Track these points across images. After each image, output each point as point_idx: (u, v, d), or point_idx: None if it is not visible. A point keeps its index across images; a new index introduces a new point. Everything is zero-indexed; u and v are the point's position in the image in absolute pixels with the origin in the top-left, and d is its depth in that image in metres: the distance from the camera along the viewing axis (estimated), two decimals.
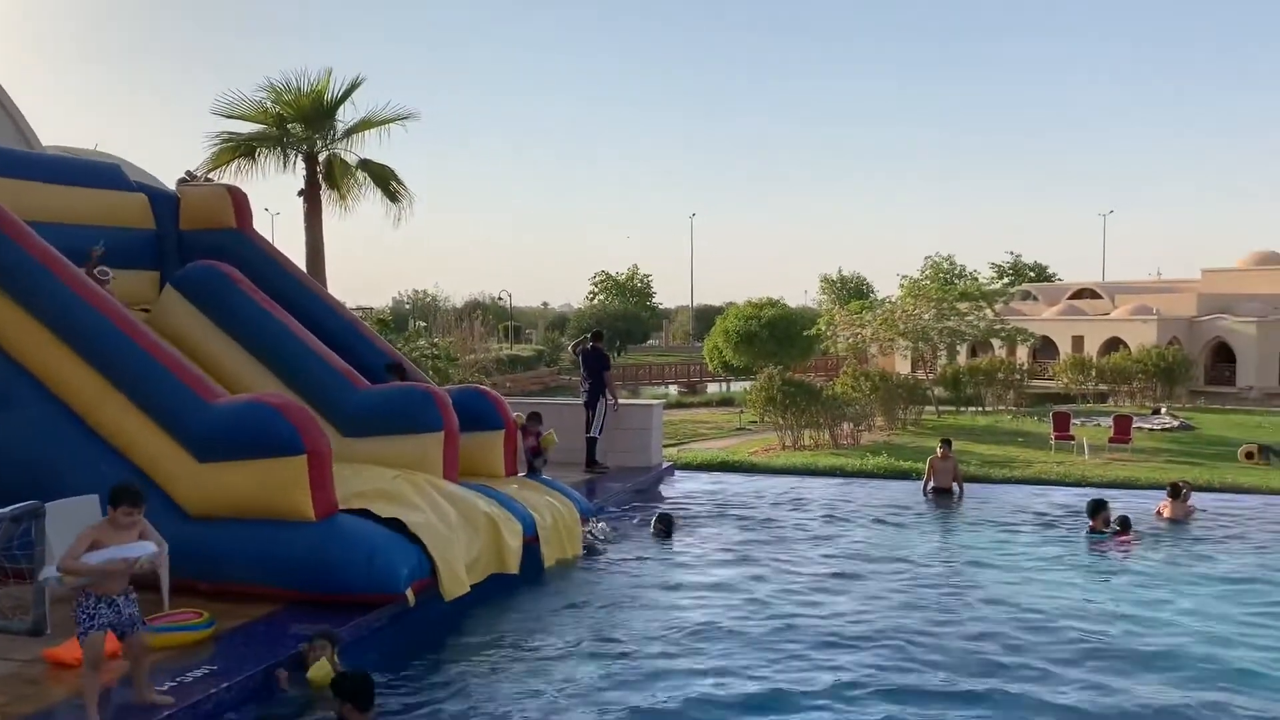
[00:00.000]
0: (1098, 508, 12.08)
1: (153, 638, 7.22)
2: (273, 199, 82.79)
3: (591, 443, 15.37)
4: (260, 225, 13.47)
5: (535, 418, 13.02)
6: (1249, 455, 23.15)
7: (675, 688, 6.98)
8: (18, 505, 7.27)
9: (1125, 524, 11.85)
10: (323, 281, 20.93)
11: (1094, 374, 40.72)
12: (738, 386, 49.47)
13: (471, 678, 7.25)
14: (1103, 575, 10.40)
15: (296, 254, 20.13)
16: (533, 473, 12.24)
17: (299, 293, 12.44)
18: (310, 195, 22.73)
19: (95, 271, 10.63)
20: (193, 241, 12.42)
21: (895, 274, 64.88)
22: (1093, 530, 11.87)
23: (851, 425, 28.48)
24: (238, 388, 10.63)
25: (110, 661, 6.27)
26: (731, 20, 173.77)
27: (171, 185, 13.35)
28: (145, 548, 6.22)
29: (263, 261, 12.49)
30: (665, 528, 11.83)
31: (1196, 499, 13.21)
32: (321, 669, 6.77)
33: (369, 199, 23.42)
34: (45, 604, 7.31)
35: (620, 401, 16.07)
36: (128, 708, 6.16)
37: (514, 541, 9.72)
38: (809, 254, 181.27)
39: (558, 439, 13.06)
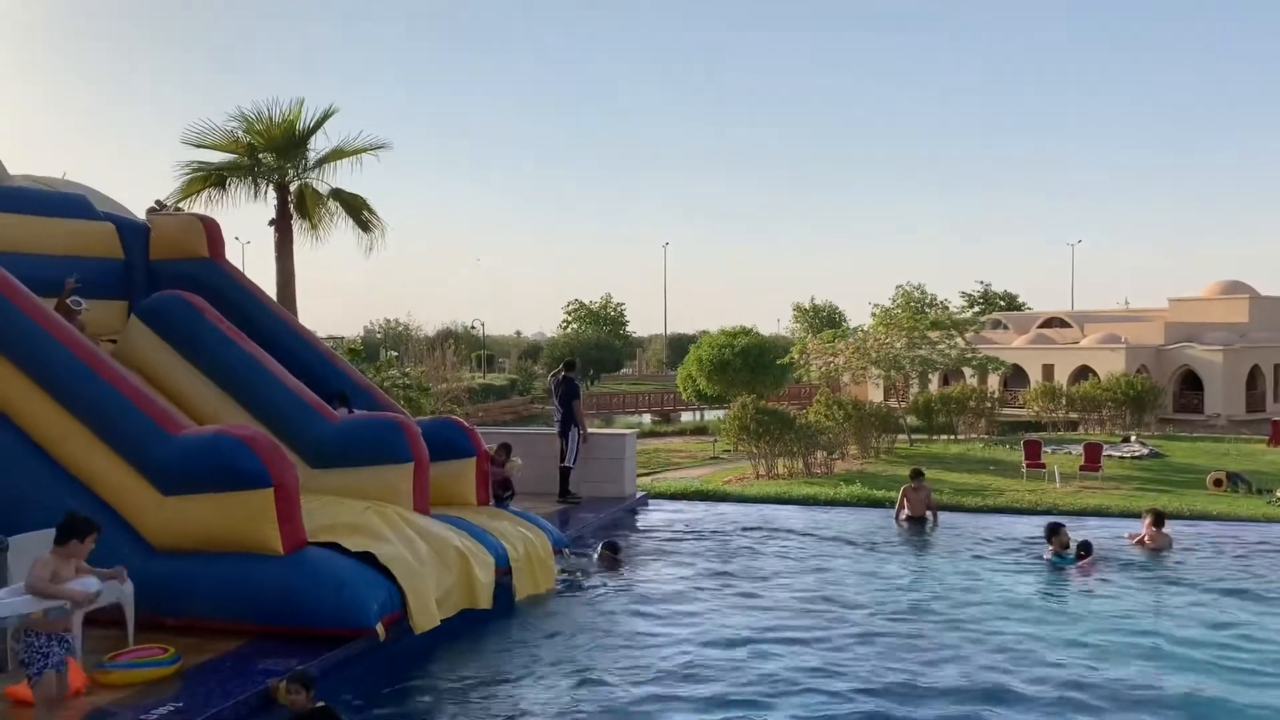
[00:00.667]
0: (1054, 530, 12.15)
1: (113, 675, 7.11)
2: (243, 228, 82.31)
3: (565, 473, 15.27)
4: (231, 255, 13.38)
5: (505, 449, 12.97)
6: (1217, 483, 23.38)
7: None
8: None
9: (1086, 548, 11.88)
10: (294, 311, 20.80)
11: (1064, 402, 41.08)
12: (711, 415, 49.51)
13: (440, 715, 7.15)
14: (1064, 599, 10.45)
15: (267, 284, 20.02)
16: (500, 504, 12.16)
17: (271, 322, 12.37)
18: (281, 225, 22.60)
19: (69, 302, 10.52)
20: (163, 271, 12.32)
21: (867, 303, 65.54)
22: (1055, 554, 11.90)
23: (825, 454, 28.54)
24: (204, 419, 10.51)
25: (75, 698, 6.13)
26: (700, 46, 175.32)
27: (141, 215, 13.25)
28: (92, 583, 6.32)
29: (235, 291, 12.41)
30: (613, 554, 11.79)
31: (1169, 526, 13.31)
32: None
33: (341, 228, 23.35)
34: (8, 639, 7.16)
35: (590, 431, 16.01)
36: None
37: (485, 576, 9.60)
38: (782, 283, 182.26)
39: (521, 465, 13.17)
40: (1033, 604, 10.19)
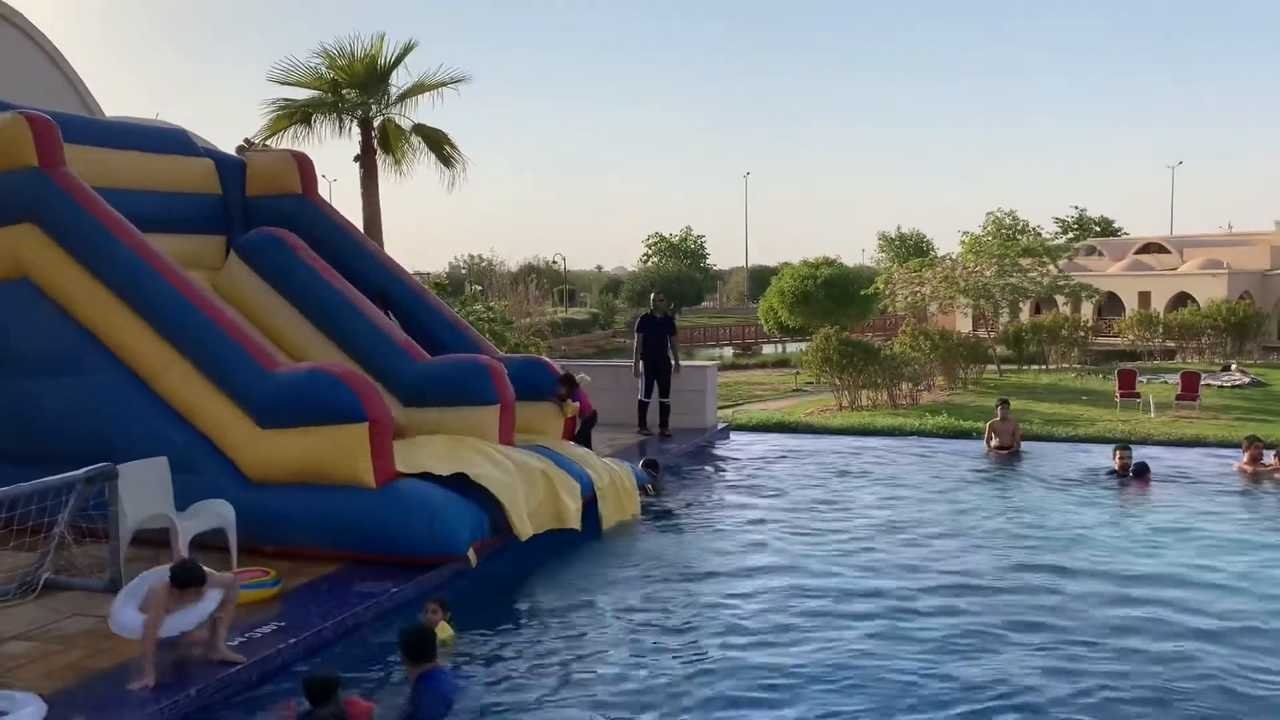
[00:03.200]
0: (1119, 448, 12.96)
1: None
2: (329, 166, 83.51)
3: (665, 407, 15.39)
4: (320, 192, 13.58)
5: (567, 381, 12.34)
6: None
7: (727, 660, 7.02)
8: (91, 467, 7.50)
9: (1141, 470, 12.55)
10: (381, 247, 21.12)
11: (1161, 330, 39.72)
12: (794, 347, 49.11)
13: (521, 636, 7.34)
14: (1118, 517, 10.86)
15: (354, 220, 20.31)
16: (582, 438, 12.27)
17: (362, 258, 12.54)
18: (366, 161, 22.87)
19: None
20: (259, 207, 12.55)
21: (956, 230, 63.61)
22: (1114, 473, 12.59)
23: (910, 385, 28.12)
24: (298, 355, 10.80)
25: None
26: None
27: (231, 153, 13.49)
28: (206, 608, 6.28)
29: (327, 227, 12.60)
30: (653, 471, 12.00)
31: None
32: (444, 630, 6.90)
33: (423, 164, 23.54)
34: (121, 562, 7.56)
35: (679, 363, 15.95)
36: (199, 662, 6.33)
37: (570, 498, 9.81)
38: (867, 212, 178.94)
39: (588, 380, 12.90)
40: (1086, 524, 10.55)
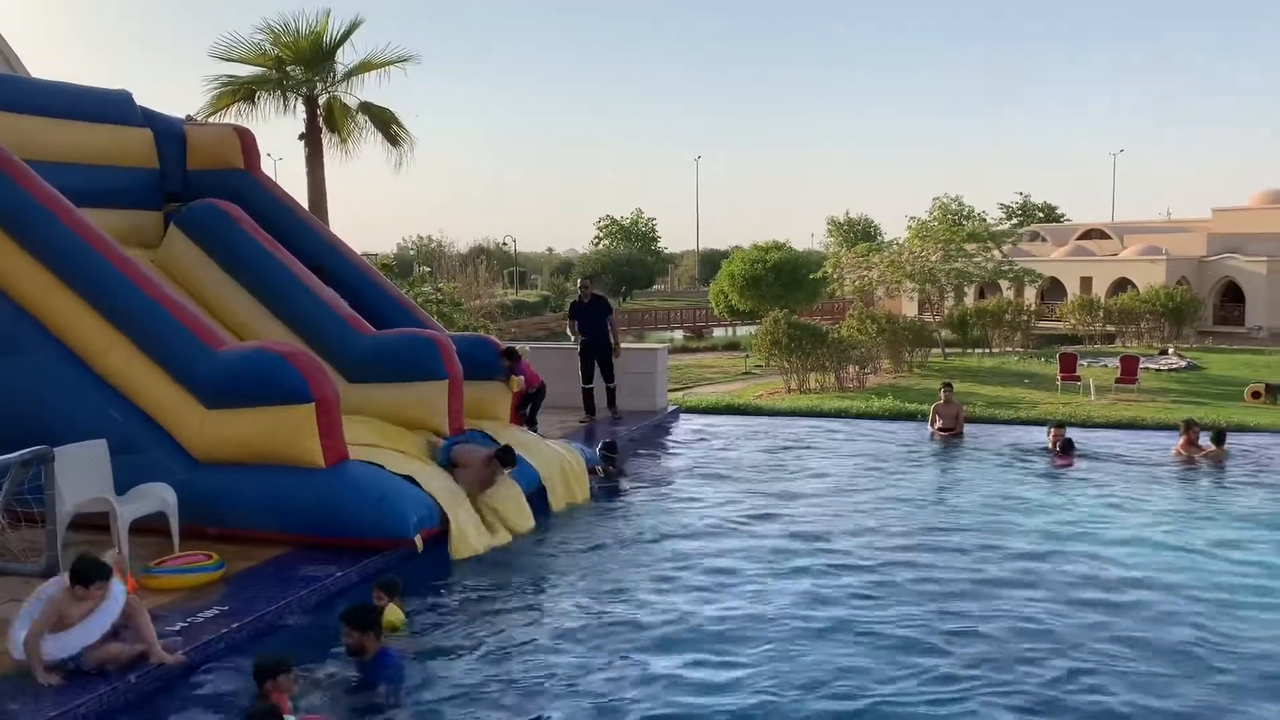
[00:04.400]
0: (1054, 427, 13.65)
1: (159, 579, 7.34)
2: (274, 144, 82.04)
3: (612, 392, 15.23)
4: (264, 169, 13.34)
5: (508, 354, 12.21)
6: (1255, 394, 23.09)
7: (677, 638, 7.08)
8: (27, 450, 7.32)
9: (1068, 446, 13.16)
10: (326, 225, 20.82)
11: (1102, 315, 40.57)
12: (744, 331, 49.39)
13: (465, 620, 7.33)
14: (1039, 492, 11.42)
15: (299, 199, 19.99)
16: (526, 412, 12.28)
17: (306, 236, 12.34)
18: (311, 139, 22.52)
19: None
20: (199, 181, 12.30)
21: (903, 215, 64.40)
22: (1048, 450, 13.28)
23: (857, 368, 28.46)
24: (242, 331, 10.63)
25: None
26: None
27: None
28: (113, 609, 5.92)
29: (270, 203, 12.37)
30: (610, 454, 11.99)
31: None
32: (394, 614, 6.91)
33: (370, 143, 23.23)
34: (58, 547, 7.40)
35: (623, 346, 15.94)
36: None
37: (518, 507, 9.65)
38: (816, 197, 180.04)
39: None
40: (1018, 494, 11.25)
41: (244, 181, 12.40)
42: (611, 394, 15.18)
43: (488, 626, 7.13)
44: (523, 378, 12.08)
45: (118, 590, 6.05)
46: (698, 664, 6.44)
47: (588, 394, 15.00)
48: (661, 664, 6.44)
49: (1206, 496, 11.25)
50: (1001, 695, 5.97)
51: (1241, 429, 15.18)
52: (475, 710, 5.81)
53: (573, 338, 15.10)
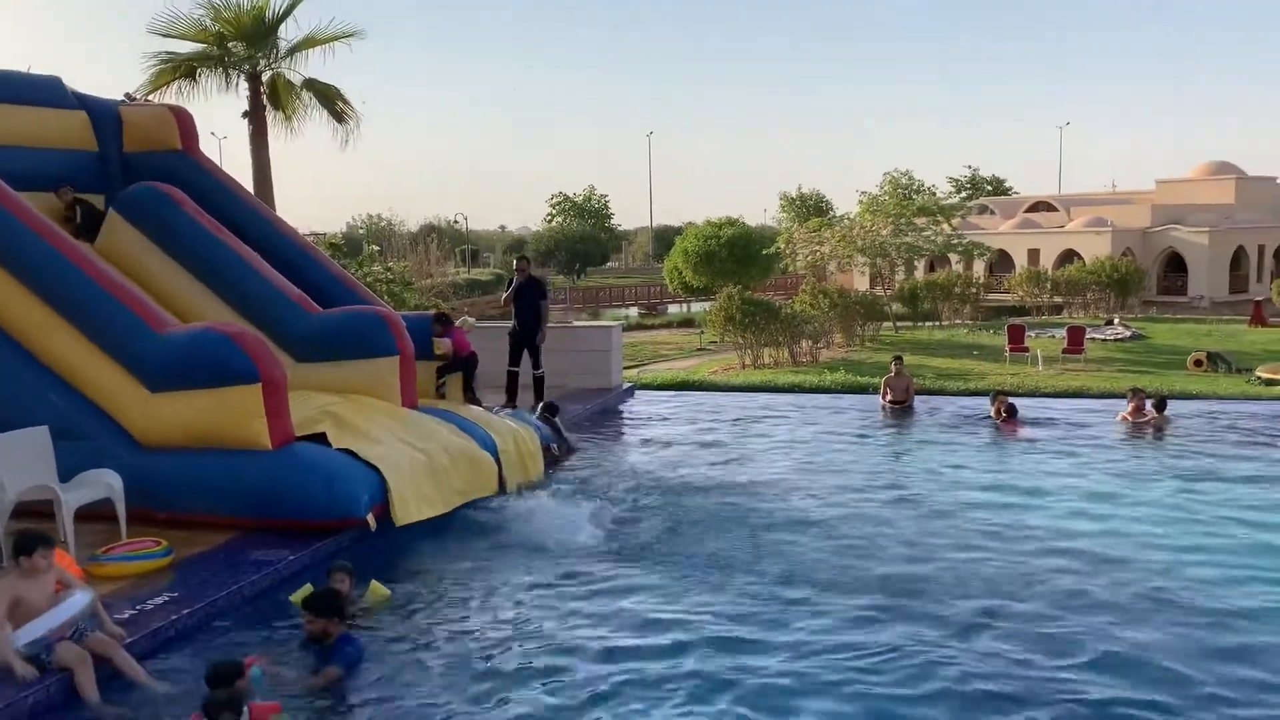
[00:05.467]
0: (996, 396, 14.03)
1: (107, 567, 7.21)
2: (218, 123, 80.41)
3: (541, 380, 14.12)
4: (207, 150, 13.08)
5: (440, 319, 12.08)
6: (1197, 363, 23.64)
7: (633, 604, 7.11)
8: None
9: (1012, 411, 13.59)
10: (271, 206, 20.48)
11: (1049, 286, 41.19)
12: (698, 307, 49.47)
13: (422, 596, 7.31)
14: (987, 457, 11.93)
15: (244, 178, 19.62)
16: (456, 375, 12.01)
17: (248, 216, 12.13)
18: (255, 117, 22.06)
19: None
20: (137, 163, 12.03)
21: (855, 190, 64.81)
22: (995, 415, 13.62)
23: (810, 343, 28.68)
24: (186, 314, 10.43)
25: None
26: None
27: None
28: (77, 602, 5.82)
29: (210, 184, 12.12)
30: (550, 415, 11.97)
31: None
32: (378, 590, 7.03)
33: (315, 120, 22.82)
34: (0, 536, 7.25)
35: (577, 324, 15.86)
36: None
37: (474, 468, 9.69)
38: (768, 172, 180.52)
39: (474, 323, 12.64)
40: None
41: (182, 163, 12.14)
42: (539, 382, 13.99)
43: (447, 609, 7.09)
44: (449, 341, 11.86)
45: (80, 597, 5.91)
46: (660, 639, 6.46)
47: (512, 377, 13.96)
48: (624, 641, 6.45)
49: (1151, 459, 11.59)
50: (960, 653, 6.08)
51: (1184, 396, 15.54)
52: (437, 695, 5.77)
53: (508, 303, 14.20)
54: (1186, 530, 8.72)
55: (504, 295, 14.51)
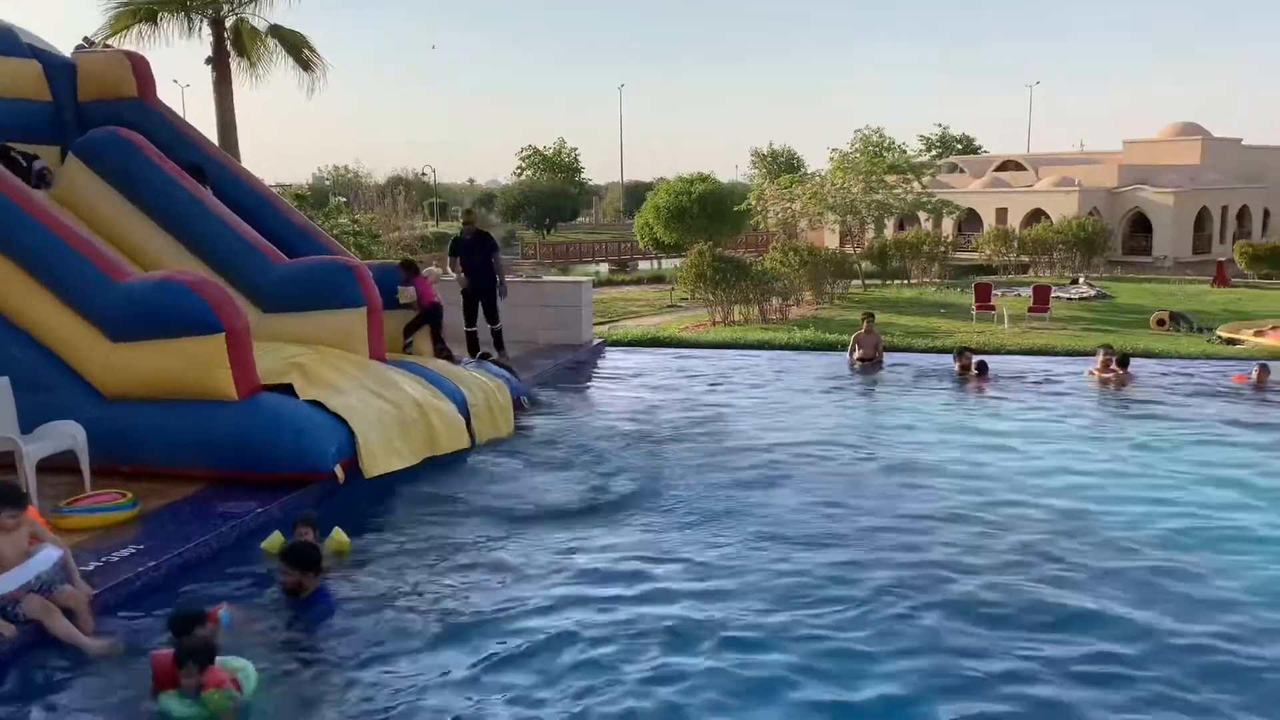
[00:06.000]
0: (960, 352, 14.29)
1: (71, 519, 7.14)
2: (179, 70, 78.59)
3: (499, 334, 13.89)
4: (170, 99, 12.82)
5: (406, 266, 11.97)
6: (1160, 322, 23.93)
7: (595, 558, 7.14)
8: None
9: (982, 368, 13.77)
10: (236, 155, 20.13)
11: (1016, 246, 41.43)
12: (669, 264, 49.32)
13: (386, 550, 7.30)
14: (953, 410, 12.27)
15: (208, 128, 19.25)
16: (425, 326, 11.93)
17: (210, 166, 11.91)
18: (219, 63, 21.64)
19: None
20: (93, 112, 11.74)
21: (826, 147, 64.58)
22: (959, 372, 13.87)
23: (780, 300, 28.73)
24: (148, 263, 10.27)
25: (35, 543, 6.11)
26: None
27: (68, 54, 12.52)
28: (48, 556, 5.77)
29: (168, 133, 11.88)
30: (502, 362, 12.12)
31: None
32: (339, 539, 7.04)
33: (281, 68, 22.42)
34: None
35: (546, 279, 15.80)
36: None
37: (444, 422, 9.66)
38: (741, 129, 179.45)
39: (439, 273, 12.69)
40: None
41: (139, 110, 11.86)
42: (498, 335, 13.74)
43: (416, 565, 7.06)
44: (413, 290, 11.74)
45: (51, 551, 5.86)
46: (637, 588, 6.51)
47: (471, 337, 13.70)
48: (595, 592, 6.48)
49: (1119, 413, 11.97)
50: (930, 599, 6.19)
51: (1148, 355, 15.74)
52: (411, 646, 5.76)
53: (454, 275, 13.81)
54: (1152, 483, 8.93)
55: (449, 261, 14.01)
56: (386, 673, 5.43)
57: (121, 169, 10.71)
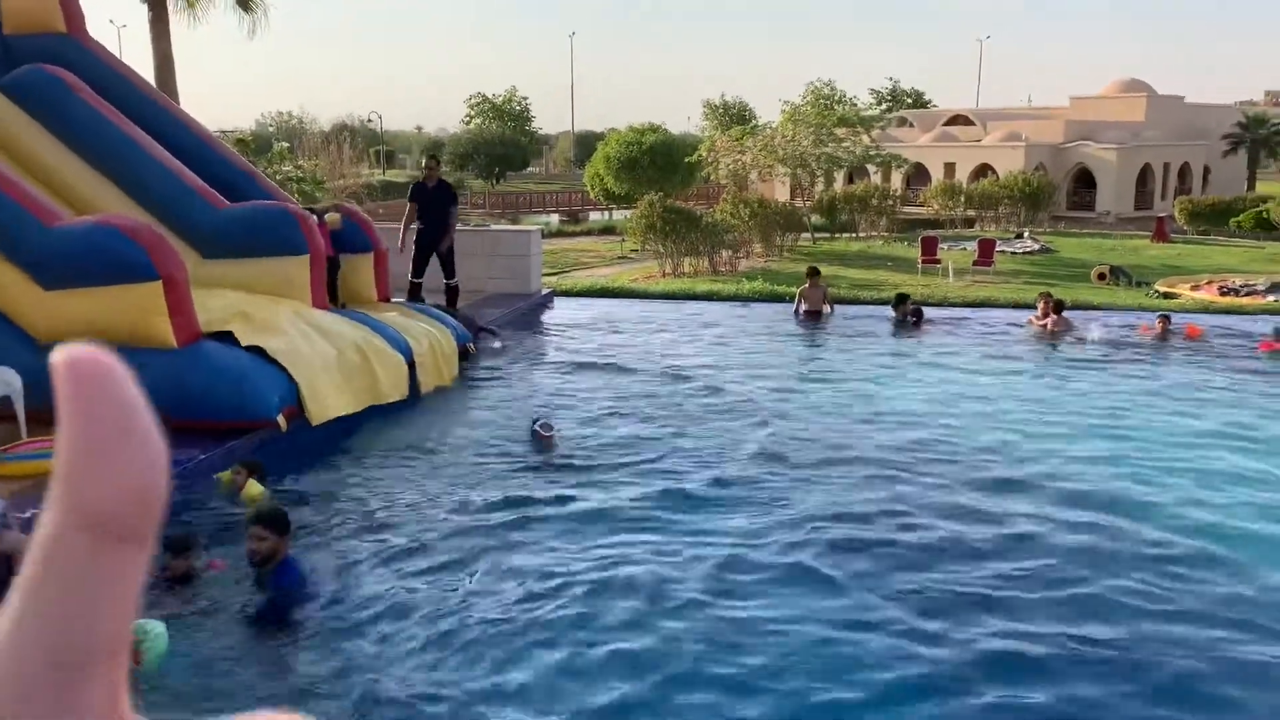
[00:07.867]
0: (899, 300, 14.70)
1: (10, 466, 7.01)
2: (115, 9, 75.94)
3: (455, 290, 13.56)
4: (107, 40, 12.34)
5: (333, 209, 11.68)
6: (1100, 276, 24.39)
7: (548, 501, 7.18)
8: None
9: (919, 314, 14.35)
10: (174, 96, 19.58)
11: (963, 200, 41.83)
12: (620, 215, 49.12)
13: (337, 496, 7.28)
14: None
15: (145, 70, 18.67)
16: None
17: (143, 105, 11.52)
18: (154, 2, 20.96)
19: None
20: (19, 47, 11.28)
21: (778, 100, 64.43)
22: (897, 320, 14.36)
23: (730, 252, 28.78)
24: (82, 206, 9.99)
25: None
26: None
27: None
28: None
29: (101, 71, 11.44)
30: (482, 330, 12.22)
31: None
32: (254, 489, 6.84)
33: (220, 7, 21.78)
34: None
35: (495, 228, 15.67)
36: None
37: (388, 371, 9.59)
38: (692, 79, 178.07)
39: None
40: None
41: (68, 46, 11.36)
42: (453, 293, 13.38)
43: (380, 522, 6.90)
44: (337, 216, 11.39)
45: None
46: (611, 546, 6.47)
47: (415, 288, 13.25)
48: (552, 543, 6.50)
49: (1055, 358, 12.65)
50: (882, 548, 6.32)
51: (1089, 307, 16.09)
52: (379, 613, 5.57)
53: (400, 235, 13.29)
54: (1096, 423, 9.38)
55: (409, 208, 13.49)
56: (350, 644, 5.23)
57: (52, 108, 10.36)
